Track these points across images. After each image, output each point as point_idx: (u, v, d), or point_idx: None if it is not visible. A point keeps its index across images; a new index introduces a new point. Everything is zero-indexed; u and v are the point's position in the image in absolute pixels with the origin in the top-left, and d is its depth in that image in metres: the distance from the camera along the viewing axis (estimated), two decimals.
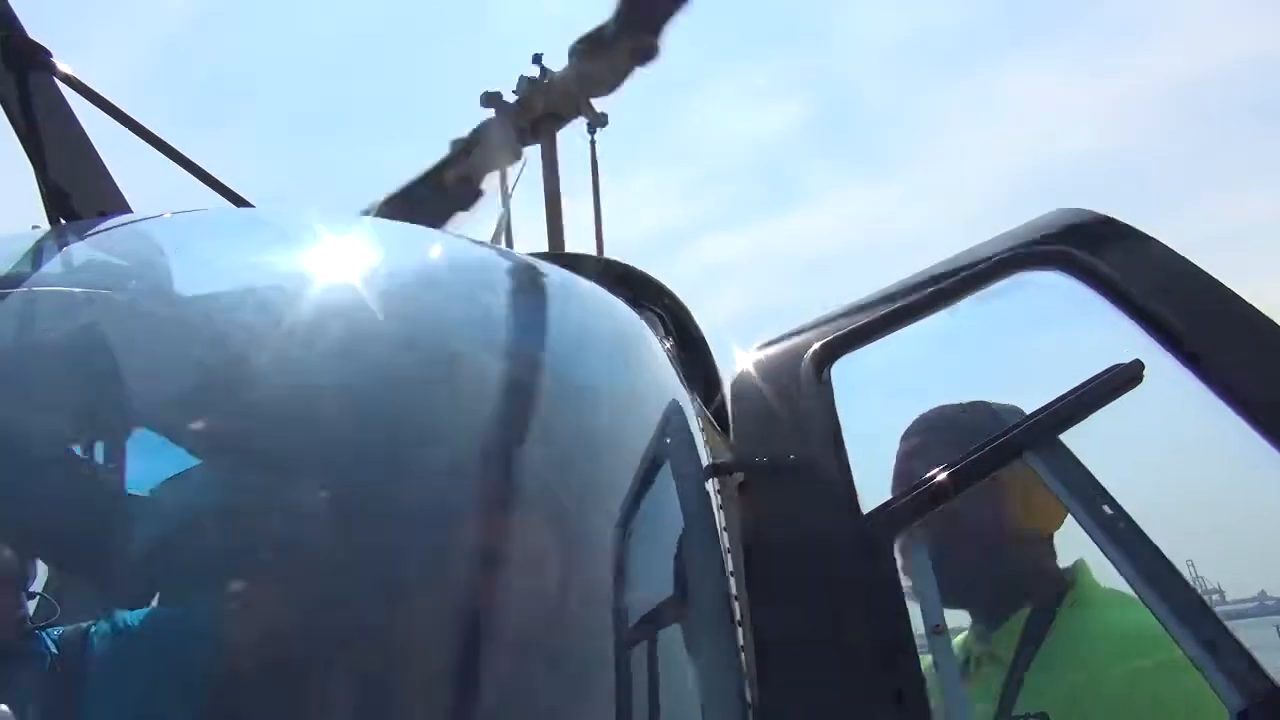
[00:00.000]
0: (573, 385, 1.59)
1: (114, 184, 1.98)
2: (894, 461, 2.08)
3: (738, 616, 1.45)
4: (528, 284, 1.82)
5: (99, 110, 1.90)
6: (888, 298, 1.84)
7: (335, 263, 1.82)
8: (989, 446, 1.45)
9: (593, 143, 4.49)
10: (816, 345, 1.74)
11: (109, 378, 1.60)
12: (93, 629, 1.79)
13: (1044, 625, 1.96)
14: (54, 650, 1.80)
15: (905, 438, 2.09)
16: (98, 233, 1.80)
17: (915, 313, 1.76)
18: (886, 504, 1.47)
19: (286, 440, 1.60)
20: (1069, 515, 1.40)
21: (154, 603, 1.96)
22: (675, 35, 3.95)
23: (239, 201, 2.30)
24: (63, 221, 1.88)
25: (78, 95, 1.89)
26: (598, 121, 4.40)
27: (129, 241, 1.82)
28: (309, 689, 1.53)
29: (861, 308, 1.87)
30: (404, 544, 1.45)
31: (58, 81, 1.90)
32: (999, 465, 1.47)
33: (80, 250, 1.75)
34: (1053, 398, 1.46)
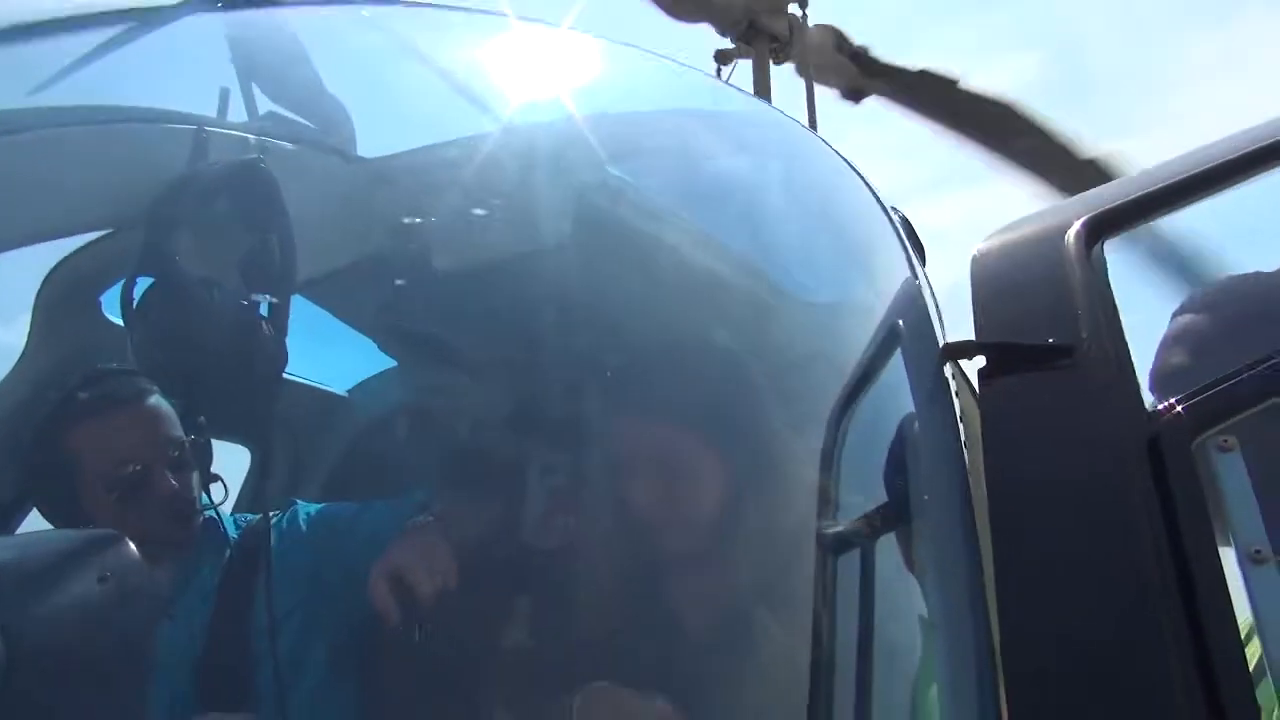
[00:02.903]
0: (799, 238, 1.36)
1: None
2: (1160, 348, 1.68)
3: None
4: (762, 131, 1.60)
5: None
6: (1164, 173, 1.52)
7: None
8: None
9: (804, 17, 4.29)
10: (1082, 221, 1.44)
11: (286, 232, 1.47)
12: (279, 519, 1.68)
13: None
14: (232, 536, 1.70)
15: (1188, 312, 1.70)
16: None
17: (1211, 184, 1.43)
18: (1186, 398, 1.17)
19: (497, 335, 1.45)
20: None
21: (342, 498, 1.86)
22: None
23: None
24: None
25: None
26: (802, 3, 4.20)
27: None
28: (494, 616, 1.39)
29: (1124, 185, 1.56)
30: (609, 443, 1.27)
31: None
32: None
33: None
34: None
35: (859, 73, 4.66)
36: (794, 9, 4.47)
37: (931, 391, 1.22)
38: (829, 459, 1.10)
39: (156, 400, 1.64)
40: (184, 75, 1.65)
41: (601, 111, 1.71)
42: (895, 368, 1.22)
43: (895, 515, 1.16)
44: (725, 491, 1.38)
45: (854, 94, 4.83)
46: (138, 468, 1.57)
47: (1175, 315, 1.69)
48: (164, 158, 1.53)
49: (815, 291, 1.36)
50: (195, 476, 1.68)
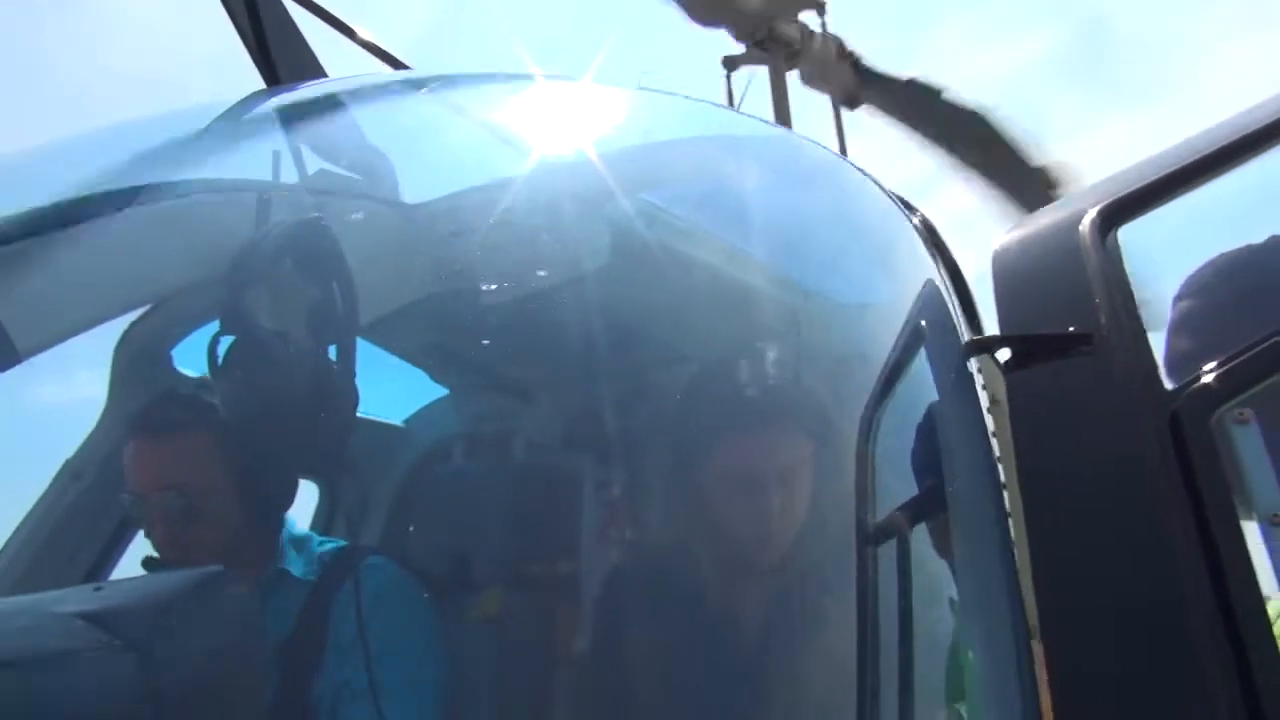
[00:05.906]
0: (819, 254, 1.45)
1: (312, 53, 1.99)
2: (1168, 335, 1.73)
3: (1008, 512, 1.28)
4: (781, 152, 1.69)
5: None
6: (1173, 157, 1.58)
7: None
8: None
9: (824, 25, 4.39)
10: (1095, 209, 1.51)
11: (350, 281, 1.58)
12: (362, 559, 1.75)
13: None
14: (310, 577, 1.75)
15: (1186, 297, 1.74)
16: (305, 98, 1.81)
17: (1217, 165, 1.49)
18: (1198, 376, 1.24)
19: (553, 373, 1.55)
20: None
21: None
22: None
23: (397, 65, 2.23)
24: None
25: None
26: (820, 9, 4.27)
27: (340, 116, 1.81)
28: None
29: (1135, 172, 1.62)
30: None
31: None
32: None
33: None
34: None
35: (856, 81, 4.84)
36: (806, 17, 4.58)
37: (956, 385, 1.30)
38: (863, 455, 1.18)
39: (228, 434, 1.71)
40: (242, 150, 1.79)
41: (631, 147, 1.81)
42: (920, 364, 1.30)
43: (929, 505, 1.24)
44: (773, 494, 1.45)
45: (850, 101, 5.03)
46: (219, 496, 1.66)
47: (1175, 302, 1.74)
48: (225, 224, 1.66)
49: (843, 296, 1.45)
50: (276, 511, 1.77)
